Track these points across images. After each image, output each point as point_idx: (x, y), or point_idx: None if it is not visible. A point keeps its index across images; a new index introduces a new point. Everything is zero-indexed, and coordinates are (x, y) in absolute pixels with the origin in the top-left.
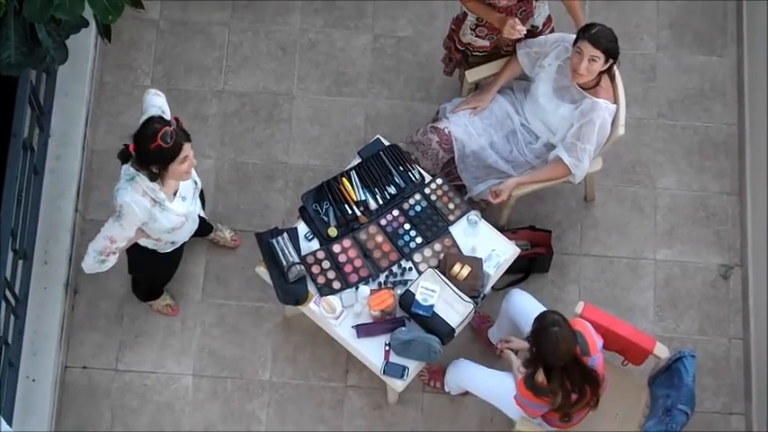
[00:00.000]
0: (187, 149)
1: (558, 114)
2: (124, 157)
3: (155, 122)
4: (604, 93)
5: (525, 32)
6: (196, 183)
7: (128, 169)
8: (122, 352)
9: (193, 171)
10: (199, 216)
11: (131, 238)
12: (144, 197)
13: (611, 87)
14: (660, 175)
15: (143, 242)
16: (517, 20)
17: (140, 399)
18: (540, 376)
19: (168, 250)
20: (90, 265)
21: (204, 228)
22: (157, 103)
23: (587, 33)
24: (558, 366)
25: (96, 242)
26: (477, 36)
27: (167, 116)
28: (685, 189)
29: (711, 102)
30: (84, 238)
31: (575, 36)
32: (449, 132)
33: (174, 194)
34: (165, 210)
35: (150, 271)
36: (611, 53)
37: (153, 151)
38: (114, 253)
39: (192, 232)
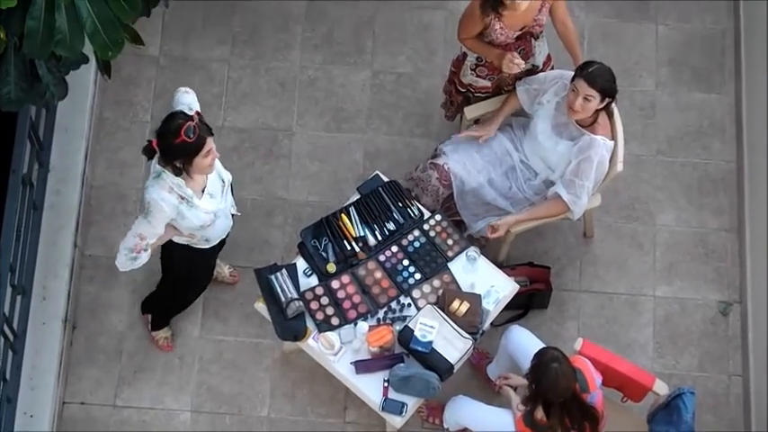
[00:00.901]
0: (210, 143)
1: (556, 151)
2: (148, 152)
3: (178, 117)
4: (602, 130)
5: (524, 65)
6: (224, 180)
7: (155, 166)
8: (121, 388)
9: (220, 167)
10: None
11: (161, 235)
12: (171, 194)
13: (608, 124)
14: (659, 212)
15: (177, 239)
16: (515, 53)
17: None
18: (540, 413)
19: (204, 247)
20: (122, 262)
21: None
22: (186, 101)
23: (584, 72)
24: (557, 403)
25: (127, 240)
26: (477, 76)
27: (196, 107)
28: (684, 226)
29: (710, 138)
30: (83, 274)
31: (573, 72)
32: (448, 168)
33: (203, 192)
34: (192, 207)
35: (184, 271)
36: (607, 93)
37: (177, 146)
38: (146, 250)
39: (227, 230)
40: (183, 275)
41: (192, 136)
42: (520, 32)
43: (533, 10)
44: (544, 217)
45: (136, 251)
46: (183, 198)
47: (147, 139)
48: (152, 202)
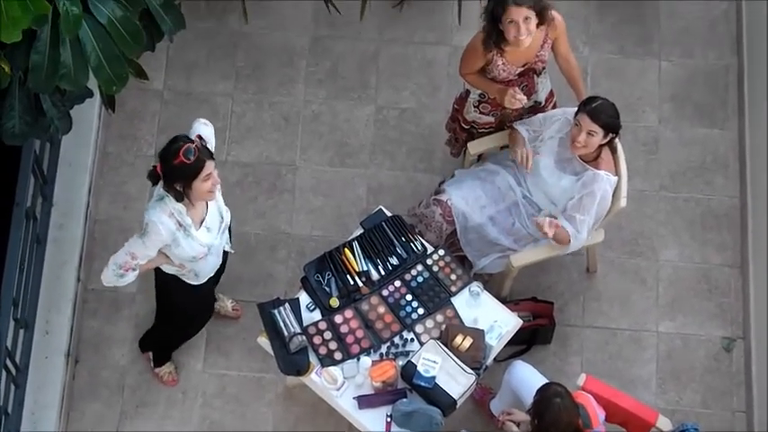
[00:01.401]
0: (210, 167)
1: (560, 186)
2: (153, 178)
3: (179, 140)
4: (605, 165)
5: (526, 101)
6: (222, 217)
7: (159, 190)
8: (123, 423)
9: (222, 203)
10: (224, 252)
11: (152, 259)
12: (170, 218)
13: (612, 160)
14: (662, 248)
15: (166, 268)
16: (517, 89)
17: None
18: None
19: (193, 282)
20: (108, 277)
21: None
22: (204, 132)
23: (587, 107)
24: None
25: (118, 256)
26: (481, 113)
27: (211, 146)
28: (687, 261)
29: (713, 174)
30: (86, 308)
31: (575, 109)
32: (451, 204)
33: (201, 223)
34: (189, 236)
35: (181, 309)
36: (611, 128)
37: (176, 167)
38: (134, 269)
39: (216, 268)
40: (179, 312)
41: (190, 158)
42: (522, 68)
43: (536, 46)
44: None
45: (124, 269)
46: (181, 225)
47: (153, 165)
48: (150, 223)
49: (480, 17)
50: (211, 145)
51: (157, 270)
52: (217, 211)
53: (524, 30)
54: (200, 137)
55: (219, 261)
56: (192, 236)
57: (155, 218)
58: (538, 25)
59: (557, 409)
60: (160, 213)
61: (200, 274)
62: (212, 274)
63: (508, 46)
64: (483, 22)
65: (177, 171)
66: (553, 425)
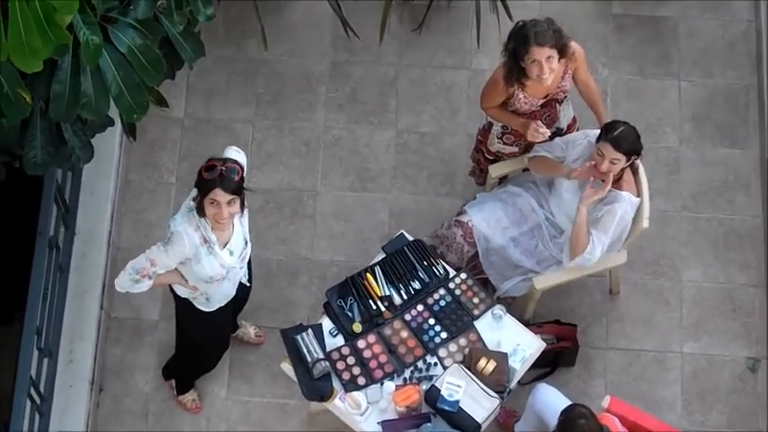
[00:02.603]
0: (218, 195)
1: None
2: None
3: (219, 159)
4: (627, 186)
5: (548, 134)
6: (247, 243)
7: (189, 201)
8: None
9: (246, 230)
10: (241, 284)
11: (170, 271)
12: (196, 231)
13: (633, 181)
14: (685, 268)
15: (179, 290)
16: (540, 122)
17: None
18: None
19: (203, 308)
20: (123, 281)
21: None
22: (235, 158)
23: (609, 135)
24: None
25: (137, 261)
26: (505, 143)
27: (244, 167)
28: (711, 281)
29: (735, 193)
30: (110, 336)
31: (596, 131)
32: (472, 226)
33: (225, 245)
34: (211, 253)
35: (193, 336)
36: (633, 153)
37: (198, 174)
38: (150, 277)
39: (229, 298)
40: (191, 340)
41: (208, 176)
42: (544, 100)
43: (557, 78)
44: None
45: (141, 274)
46: (206, 241)
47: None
48: (176, 233)
49: (501, 54)
50: (244, 172)
51: (174, 295)
52: (242, 236)
53: (547, 69)
54: (242, 175)
55: (233, 291)
56: (215, 254)
57: (180, 228)
58: (559, 60)
59: (581, 431)
60: (186, 225)
61: (211, 299)
62: (223, 304)
63: (529, 81)
64: (503, 57)
65: (198, 178)
66: None
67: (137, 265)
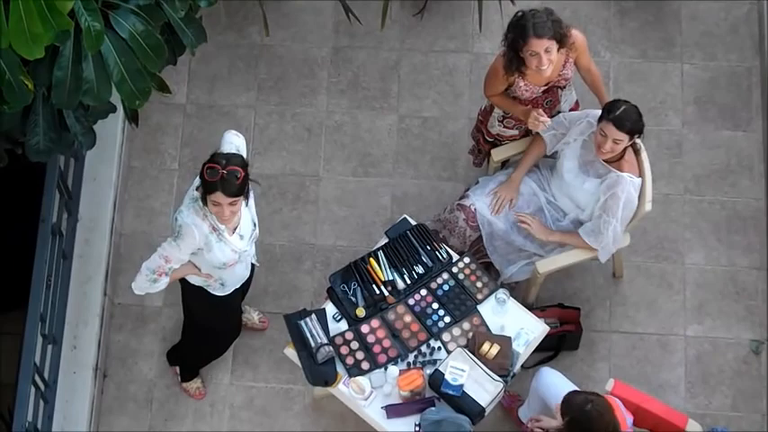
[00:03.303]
0: (220, 199)
1: (583, 189)
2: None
3: (227, 157)
4: (629, 166)
5: (549, 123)
6: (255, 225)
7: (193, 191)
8: None
9: (253, 212)
10: (252, 265)
11: (184, 263)
12: (204, 221)
13: (635, 161)
14: (688, 251)
15: (193, 279)
16: (541, 111)
17: None
18: None
19: (218, 293)
20: (141, 283)
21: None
22: (235, 142)
23: (611, 115)
24: None
25: (151, 261)
26: (505, 127)
27: (243, 154)
28: (714, 264)
29: (738, 176)
30: (113, 322)
31: (597, 111)
32: (475, 210)
33: (234, 230)
34: (222, 240)
35: (208, 324)
36: (636, 132)
37: (201, 175)
38: (167, 274)
39: (243, 280)
40: (205, 328)
41: (210, 177)
42: (546, 87)
43: (557, 67)
44: (576, 245)
45: (158, 273)
46: (215, 229)
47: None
48: (184, 225)
49: (501, 43)
50: (242, 153)
51: (184, 284)
52: (250, 219)
53: (546, 60)
54: (243, 174)
55: (247, 272)
56: (226, 240)
57: (188, 220)
58: (558, 50)
59: (596, 415)
60: (193, 216)
61: (226, 283)
62: (238, 286)
63: (529, 70)
64: (503, 47)
65: (201, 177)
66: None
67: (152, 264)
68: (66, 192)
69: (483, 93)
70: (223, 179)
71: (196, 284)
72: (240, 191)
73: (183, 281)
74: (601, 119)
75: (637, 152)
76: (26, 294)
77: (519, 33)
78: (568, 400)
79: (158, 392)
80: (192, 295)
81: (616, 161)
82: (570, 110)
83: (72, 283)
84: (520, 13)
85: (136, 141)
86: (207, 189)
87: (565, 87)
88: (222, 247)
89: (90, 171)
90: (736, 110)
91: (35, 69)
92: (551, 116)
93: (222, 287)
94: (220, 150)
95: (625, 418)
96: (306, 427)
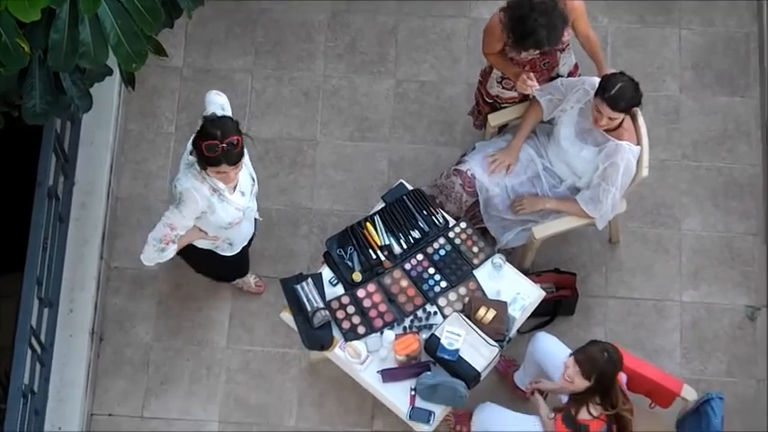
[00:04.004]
0: (226, 169)
1: (581, 157)
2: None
3: (221, 127)
4: (627, 134)
5: (538, 87)
6: (254, 179)
7: (188, 157)
8: (148, 399)
9: (251, 168)
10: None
11: (189, 229)
12: (203, 184)
13: (633, 128)
14: (685, 217)
15: (201, 243)
16: (531, 74)
17: None
18: (583, 414)
19: (228, 253)
20: (150, 254)
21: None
22: (219, 101)
23: (606, 94)
24: (613, 385)
25: (156, 231)
26: (504, 88)
27: (228, 112)
28: (710, 230)
29: (735, 142)
30: (110, 286)
31: (594, 79)
32: (472, 175)
33: (235, 188)
34: (224, 200)
35: (226, 277)
36: (632, 107)
37: (198, 150)
38: (174, 242)
39: (249, 236)
40: (222, 279)
41: (210, 153)
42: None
43: None
44: (572, 213)
45: (165, 242)
46: (215, 190)
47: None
48: (185, 191)
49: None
50: (228, 114)
51: (191, 250)
52: (248, 174)
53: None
54: (240, 141)
55: (252, 228)
56: (228, 200)
57: (188, 185)
58: None
59: (617, 357)
60: (192, 180)
61: (234, 242)
62: (246, 243)
63: None
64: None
65: (198, 152)
66: (610, 369)
67: (157, 234)
68: (63, 155)
69: (481, 50)
70: (224, 152)
71: (204, 248)
72: (241, 155)
73: (191, 247)
74: (596, 95)
75: (634, 118)
76: (23, 257)
77: (519, 35)
78: (589, 359)
79: (155, 356)
80: (201, 258)
81: (615, 129)
82: (569, 73)
83: (69, 247)
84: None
85: (132, 105)
86: (210, 164)
87: (564, 51)
88: (225, 207)
89: (86, 134)
90: (734, 76)
91: (31, 32)
92: (550, 79)
93: (230, 247)
94: (207, 113)
95: (621, 381)
96: (301, 391)
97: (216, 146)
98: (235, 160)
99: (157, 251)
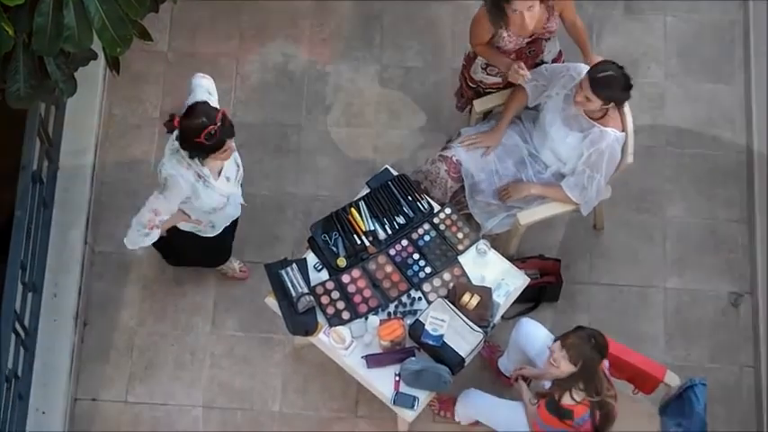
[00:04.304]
0: (229, 143)
1: (566, 143)
2: (170, 128)
3: (201, 115)
4: (613, 122)
5: (530, 76)
6: (239, 165)
7: (173, 143)
8: (132, 384)
9: (236, 154)
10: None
11: (174, 214)
12: (188, 170)
13: (618, 115)
14: (669, 204)
15: (183, 226)
16: (522, 64)
17: (150, 431)
18: (567, 399)
19: (210, 234)
20: (134, 238)
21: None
22: (204, 85)
23: (593, 73)
24: (597, 372)
25: (141, 215)
26: (488, 74)
27: (214, 99)
28: (695, 217)
29: (720, 129)
30: (94, 270)
31: (580, 65)
32: (457, 161)
33: (220, 173)
34: (208, 186)
35: (196, 258)
36: (612, 101)
37: (196, 144)
38: (158, 227)
39: (233, 218)
40: (202, 263)
41: (211, 140)
42: (530, 39)
43: (542, 20)
44: (556, 199)
45: (149, 227)
46: (200, 176)
47: (171, 114)
48: (169, 177)
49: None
50: (215, 97)
51: (173, 230)
52: (233, 159)
53: (528, 18)
54: (224, 113)
55: (237, 211)
56: (212, 186)
57: (173, 171)
58: (541, 2)
59: (603, 342)
60: (177, 166)
61: (216, 225)
62: (228, 224)
63: (513, 23)
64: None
65: (196, 147)
66: (597, 353)
67: (142, 219)
68: (47, 139)
69: (468, 42)
70: (221, 130)
71: (186, 230)
72: (232, 124)
73: (174, 229)
74: (587, 71)
75: (620, 107)
76: (6, 242)
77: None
78: (575, 345)
79: (139, 340)
80: (182, 239)
81: (600, 117)
82: (553, 60)
83: (53, 231)
84: None
85: (117, 89)
86: (217, 148)
87: (549, 39)
88: (210, 192)
89: (71, 119)
90: (719, 63)
91: (16, 15)
92: (534, 65)
93: (213, 228)
94: (194, 99)
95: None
96: (286, 376)
97: (212, 130)
98: (233, 131)
99: (141, 236)
